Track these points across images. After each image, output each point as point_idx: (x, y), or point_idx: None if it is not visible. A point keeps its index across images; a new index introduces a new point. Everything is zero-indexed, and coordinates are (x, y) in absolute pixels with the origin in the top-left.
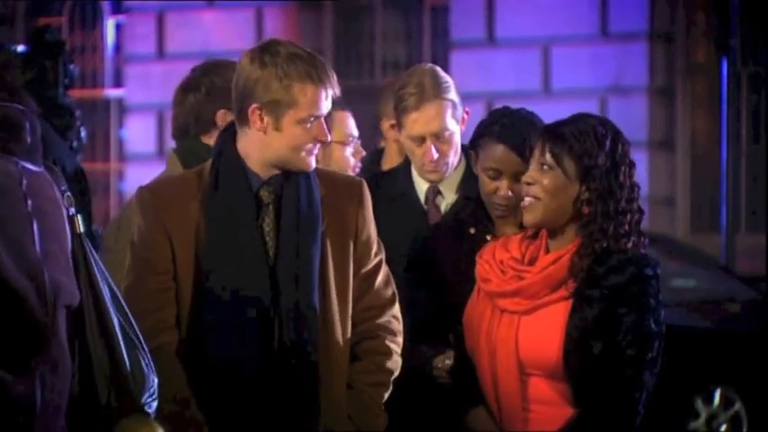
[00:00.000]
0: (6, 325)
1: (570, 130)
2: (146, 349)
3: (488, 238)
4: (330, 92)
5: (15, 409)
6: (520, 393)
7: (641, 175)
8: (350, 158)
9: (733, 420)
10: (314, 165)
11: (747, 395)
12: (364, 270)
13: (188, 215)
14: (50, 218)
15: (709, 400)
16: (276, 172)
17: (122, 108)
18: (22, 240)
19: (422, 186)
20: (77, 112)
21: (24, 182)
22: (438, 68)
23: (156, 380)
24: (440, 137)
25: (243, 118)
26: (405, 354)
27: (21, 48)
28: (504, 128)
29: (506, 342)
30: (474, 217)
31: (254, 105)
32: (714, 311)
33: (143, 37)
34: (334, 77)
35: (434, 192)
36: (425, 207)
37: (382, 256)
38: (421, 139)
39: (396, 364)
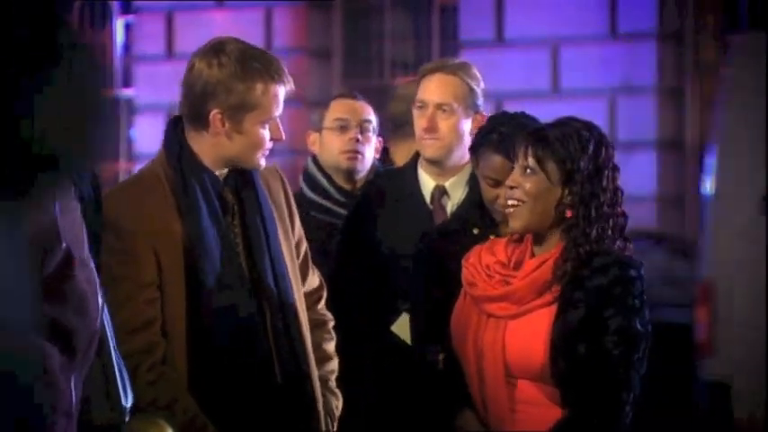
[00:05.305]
0: (67, 325)
1: (554, 134)
2: (126, 376)
3: (492, 238)
4: (287, 88)
5: (58, 411)
6: (507, 396)
7: (650, 174)
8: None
9: None
10: (264, 164)
11: None
12: (302, 255)
13: (166, 220)
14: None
15: None
16: (226, 169)
17: (131, 108)
18: (83, 247)
19: (428, 186)
20: None
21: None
22: (474, 67)
23: (131, 400)
24: (442, 107)
25: (201, 121)
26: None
27: None
28: (503, 137)
29: (493, 346)
30: (478, 218)
31: (216, 110)
32: None
33: (152, 37)
34: (287, 73)
35: (440, 192)
36: (431, 207)
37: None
38: (423, 106)
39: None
